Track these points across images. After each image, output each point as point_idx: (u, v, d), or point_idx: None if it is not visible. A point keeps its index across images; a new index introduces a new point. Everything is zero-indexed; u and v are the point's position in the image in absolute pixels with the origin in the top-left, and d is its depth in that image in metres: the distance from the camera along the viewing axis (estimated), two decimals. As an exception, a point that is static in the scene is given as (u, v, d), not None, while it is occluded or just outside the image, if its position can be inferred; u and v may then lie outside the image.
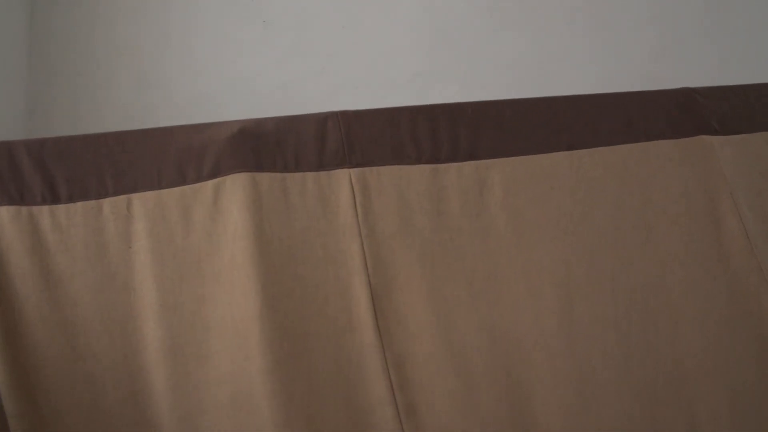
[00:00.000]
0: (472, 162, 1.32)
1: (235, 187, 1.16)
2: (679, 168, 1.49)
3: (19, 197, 1.08)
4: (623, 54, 2.13)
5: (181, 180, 1.15)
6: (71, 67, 1.94)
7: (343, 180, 1.21)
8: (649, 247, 1.40)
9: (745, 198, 1.52)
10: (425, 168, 1.28)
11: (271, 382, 1.06)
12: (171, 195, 1.13)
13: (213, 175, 1.17)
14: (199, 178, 1.16)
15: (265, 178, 1.18)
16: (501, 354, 1.21)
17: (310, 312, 1.12)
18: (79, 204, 1.10)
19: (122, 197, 1.11)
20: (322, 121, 1.24)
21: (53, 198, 1.09)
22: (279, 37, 2.02)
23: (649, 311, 1.35)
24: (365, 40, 2.06)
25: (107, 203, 1.10)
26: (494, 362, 1.20)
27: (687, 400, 1.30)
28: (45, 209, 1.08)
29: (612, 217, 1.39)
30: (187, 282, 1.09)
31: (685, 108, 1.57)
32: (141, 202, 1.11)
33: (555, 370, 1.23)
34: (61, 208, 1.09)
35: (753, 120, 1.63)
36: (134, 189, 1.12)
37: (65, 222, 1.08)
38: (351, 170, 1.22)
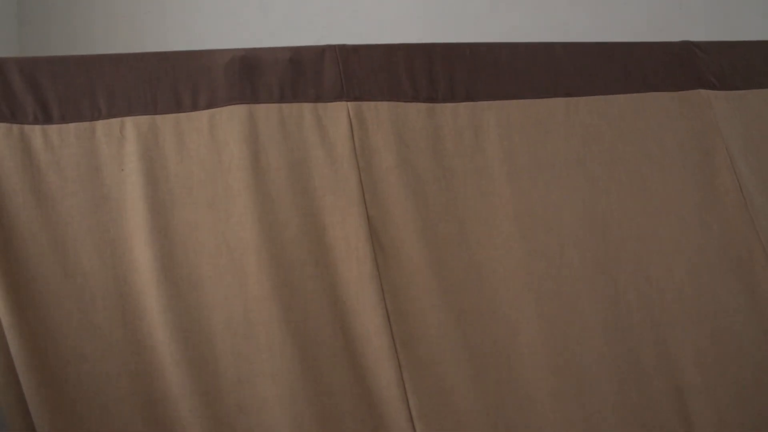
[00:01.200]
0: (469, 103, 1.31)
1: (231, 121, 1.15)
2: (675, 120, 1.49)
3: (11, 115, 1.06)
4: (622, 28, 2.11)
5: (176, 107, 1.14)
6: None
7: (340, 112, 1.20)
8: (643, 196, 1.41)
9: (739, 153, 1.52)
10: (422, 106, 1.27)
11: (266, 309, 1.07)
12: (165, 121, 1.12)
13: (209, 105, 1.15)
14: (195, 107, 1.14)
15: (262, 109, 1.17)
16: (489, 292, 1.22)
17: (308, 241, 1.12)
18: (72, 125, 1.08)
19: (116, 120, 1.10)
20: (320, 53, 1.23)
21: (45, 118, 1.08)
22: (275, 10, 1.98)
23: (640, 259, 1.36)
24: (362, 14, 2.02)
25: (100, 125, 1.09)
26: (482, 300, 1.21)
27: (673, 345, 1.32)
28: (37, 129, 1.07)
29: (606, 165, 1.39)
30: (179, 207, 1.09)
31: (684, 61, 1.56)
32: (134, 125, 1.10)
33: (542, 311, 1.25)
34: (53, 128, 1.08)
35: (751, 77, 1.63)
36: (128, 112, 1.11)
37: (57, 142, 1.07)
38: (349, 103, 1.21)
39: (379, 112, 1.23)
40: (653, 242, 1.37)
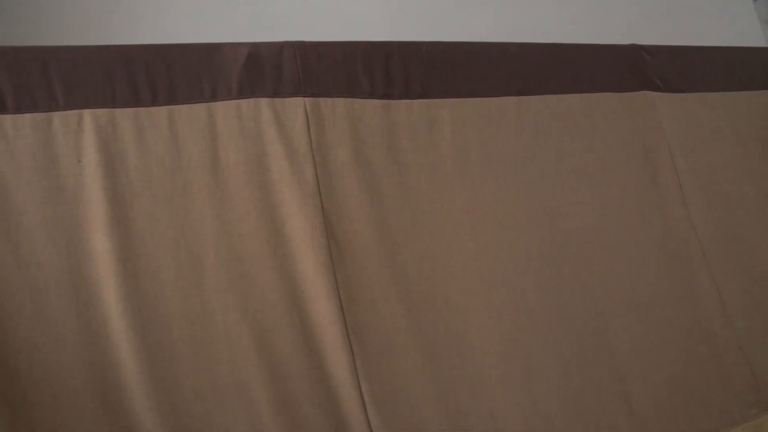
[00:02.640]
0: (424, 100, 1.36)
1: (190, 119, 1.16)
2: (621, 120, 1.57)
3: (-36, 105, 1.06)
4: (593, 28, 2.17)
5: (136, 101, 1.15)
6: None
7: (297, 108, 1.23)
8: (588, 192, 1.48)
9: (680, 152, 1.61)
10: (377, 103, 1.31)
11: (224, 299, 1.10)
12: (124, 114, 1.13)
13: (168, 100, 1.16)
14: (155, 102, 1.16)
15: (220, 106, 1.19)
16: (442, 283, 1.27)
17: (266, 233, 1.15)
18: (28, 116, 1.08)
19: (73, 112, 1.10)
20: (278, 49, 1.25)
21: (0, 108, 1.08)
22: (240, 9, 1.97)
23: (584, 251, 1.43)
24: (328, 13, 2.02)
25: (57, 116, 1.10)
26: (434, 290, 1.26)
27: (613, 332, 1.40)
28: None
29: (554, 162, 1.46)
30: (138, 199, 1.10)
31: (632, 64, 1.64)
32: (93, 118, 1.11)
33: (491, 300, 1.31)
34: (7, 119, 1.07)
35: (692, 81, 1.72)
36: (86, 105, 1.11)
37: (12, 132, 1.07)
38: (306, 99, 1.24)
39: (336, 108, 1.26)
40: (597, 235, 1.45)
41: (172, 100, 1.16)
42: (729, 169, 1.67)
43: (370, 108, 1.30)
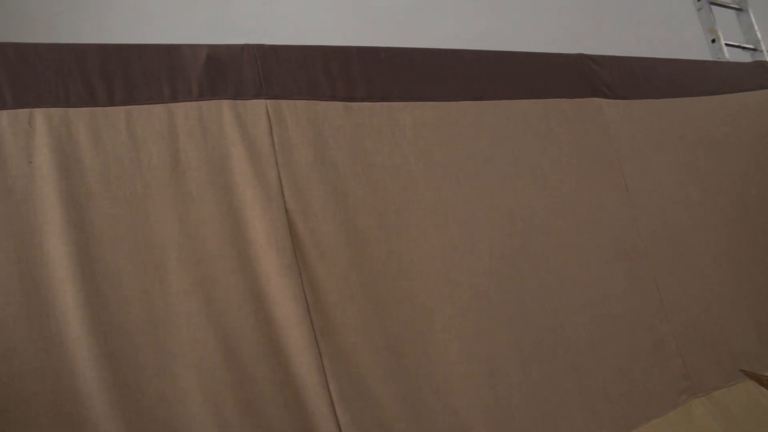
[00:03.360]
0: (385, 103, 1.38)
1: (149, 120, 1.14)
2: (572, 125, 1.64)
3: None
4: (540, 36, 2.26)
5: (91, 101, 1.12)
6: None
7: (260, 110, 1.22)
8: (545, 193, 1.54)
9: (626, 155, 1.70)
10: (339, 105, 1.32)
11: (188, 302, 1.07)
12: (79, 114, 1.10)
13: (126, 101, 1.13)
14: (111, 102, 1.12)
15: (180, 107, 1.17)
16: (407, 283, 1.29)
17: (229, 236, 1.13)
18: (-27, 115, 1.04)
19: (24, 111, 1.06)
20: (238, 52, 1.24)
21: (-58, 107, 1.03)
22: (199, 13, 1.95)
23: (541, 251, 1.48)
24: (287, 17, 2.02)
25: (5, 115, 1.05)
26: (400, 290, 1.28)
27: (569, 328, 1.45)
28: None
29: (512, 164, 1.51)
30: (96, 201, 1.06)
31: (581, 72, 1.71)
32: (45, 118, 1.07)
33: (455, 299, 1.33)
34: (-50, 118, 1.02)
35: (636, 88, 1.81)
36: (38, 104, 1.07)
37: (-44, 132, 1.02)
38: (267, 101, 1.24)
39: (298, 109, 1.26)
40: (552, 236, 1.50)
41: (129, 100, 1.13)
42: (673, 171, 1.77)
43: (333, 110, 1.31)
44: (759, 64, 2.13)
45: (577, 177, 1.59)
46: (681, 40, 2.45)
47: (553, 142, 1.58)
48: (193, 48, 1.22)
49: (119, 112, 1.12)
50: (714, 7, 2.36)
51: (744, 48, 2.42)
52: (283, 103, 1.26)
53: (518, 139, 1.53)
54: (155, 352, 1.02)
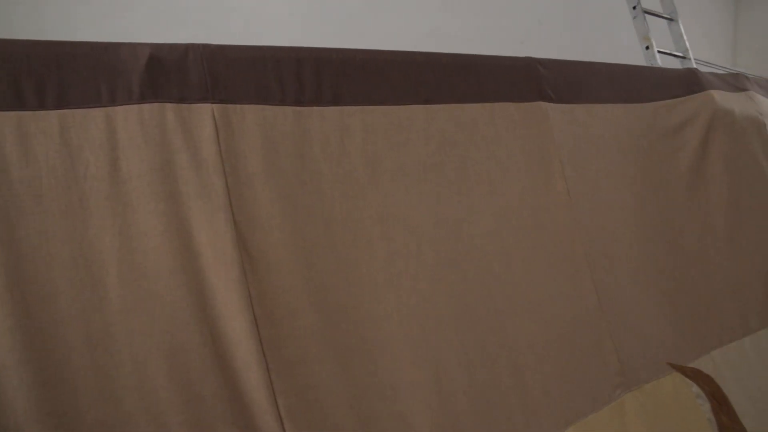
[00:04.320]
0: (335, 107, 1.35)
1: (86, 125, 1.06)
2: (519, 129, 1.67)
3: None
4: (488, 36, 2.27)
5: (19, 104, 1.03)
6: None
7: (205, 115, 1.17)
8: (491, 198, 1.57)
9: (568, 160, 1.75)
10: (288, 110, 1.29)
11: (130, 321, 1.03)
12: (5, 119, 1.01)
13: (59, 104, 1.06)
14: (42, 106, 1.04)
15: (119, 112, 1.10)
16: (355, 291, 1.29)
17: (173, 249, 1.09)
18: None
19: None
20: (183, 52, 1.18)
21: None
22: (139, 4, 1.81)
23: (486, 255, 1.52)
24: (235, 13, 1.93)
25: None
26: (348, 299, 1.28)
27: (512, 330, 1.51)
28: None
29: (459, 170, 1.52)
30: (27, 216, 0.99)
31: (528, 75, 1.74)
32: None
33: (401, 306, 1.35)
34: None
35: (580, 93, 1.87)
36: (-45, 107, 0.99)
37: None
38: (214, 106, 1.19)
39: (246, 115, 1.22)
40: (497, 240, 1.54)
41: (63, 104, 1.06)
42: (610, 176, 1.84)
43: (282, 115, 1.27)
44: (690, 71, 2.23)
45: (523, 182, 1.63)
46: (618, 45, 2.55)
47: (500, 147, 1.61)
48: (134, 47, 1.14)
49: (51, 116, 1.04)
50: (648, 17, 2.46)
51: (674, 56, 2.54)
52: (230, 107, 1.21)
53: (466, 144, 1.55)
54: (94, 375, 0.98)
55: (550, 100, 1.77)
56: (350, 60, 1.40)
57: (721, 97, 2.20)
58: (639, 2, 2.51)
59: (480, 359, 1.44)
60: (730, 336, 1.99)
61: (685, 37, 2.61)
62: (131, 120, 1.10)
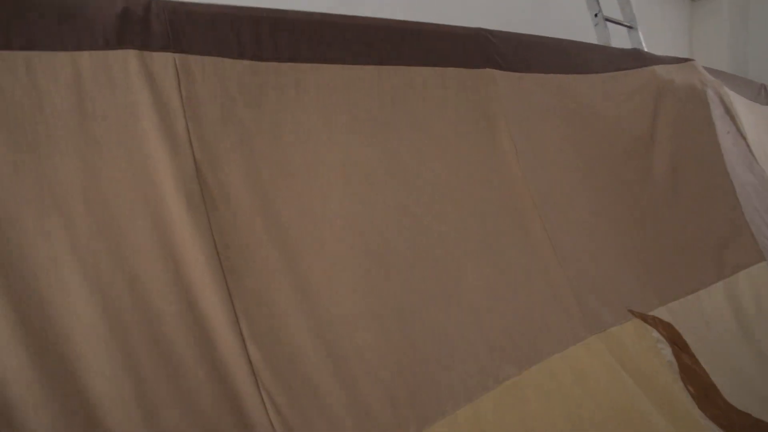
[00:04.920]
0: (292, 64, 1.44)
1: (52, 67, 1.14)
2: (469, 92, 1.78)
3: None
4: (448, 12, 2.38)
5: None
6: None
7: (168, 62, 1.25)
8: (444, 154, 1.66)
9: (515, 122, 1.86)
10: (246, 63, 1.37)
11: (94, 245, 1.09)
12: None
13: (25, 46, 1.13)
14: (8, 46, 1.11)
15: (85, 57, 1.18)
16: (313, 229, 1.37)
17: (137, 178, 1.16)
18: None
19: None
20: (146, 6, 1.27)
21: None
22: None
23: (439, 203, 1.60)
24: None
25: None
26: (307, 236, 1.35)
27: (470, 274, 1.58)
28: None
29: (412, 127, 1.62)
30: None
31: (478, 44, 1.86)
32: None
33: (360, 245, 1.42)
34: None
35: (528, 63, 1.99)
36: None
37: None
38: (176, 55, 1.27)
39: (206, 65, 1.31)
40: (449, 191, 1.63)
41: (29, 46, 1.13)
42: (556, 139, 1.96)
43: (240, 67, 1.36)
44: (636, 50, 2.38)
45: (472, 139, 1.73)
46: (573, 24, 2.71)
47: (449, 107, 1.71)
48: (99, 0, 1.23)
49: (17, 57, 1.11)
50: (609, 24, 2.60)
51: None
52: (191, 58, 1.30)
53: (417, 102, 1.65)
54: (61, 296, 1.03)
55: (499, 67, 1.88)
56: (306, 21, 1.50)
57: (664, 70, 2.35)
58: (600, 10, 2.64)
59: (438, 299, 1.51)
60: (686, 289, 2.08)
61: (644, 44, 2.74)
62: (97, 64, 1.18)
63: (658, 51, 2.56)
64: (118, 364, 1.06)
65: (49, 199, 1.09)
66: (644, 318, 1.90)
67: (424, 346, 1.44)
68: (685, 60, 2.53)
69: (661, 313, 1.97)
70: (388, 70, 1.61)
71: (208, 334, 1.16)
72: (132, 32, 1.24)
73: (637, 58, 2.36)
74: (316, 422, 1.21)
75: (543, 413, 1.53)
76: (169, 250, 1.17)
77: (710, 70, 2.75)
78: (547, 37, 2.09)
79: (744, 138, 2.59)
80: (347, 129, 1.49)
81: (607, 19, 2.66)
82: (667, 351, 1.87)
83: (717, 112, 2.47)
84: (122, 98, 1.20)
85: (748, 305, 2.12)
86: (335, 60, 1.52)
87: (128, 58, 1.21)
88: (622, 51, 2.37)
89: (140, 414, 1.04)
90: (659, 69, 2.33)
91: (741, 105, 2.67)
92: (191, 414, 1.09)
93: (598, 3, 2.62)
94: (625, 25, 2.80)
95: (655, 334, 1.89)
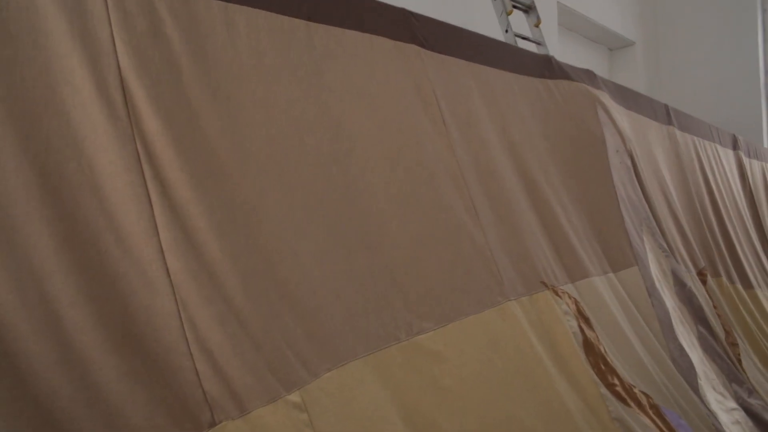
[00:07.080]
0: (222, 2, 1.43)
1: None
2: (397, 61, 1.84)
3: None
4: None
5: None
6: None
7: None
8: (374, 113, 1.70)
9: (442, 96, 1.94)
10: None
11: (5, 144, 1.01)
12: None
13: None
14: None
15: None
16: (237, 158, 1.34)
17: (52, 79, 1.09)
18: None
19: None
20: None
21: None
22: None
23: (368, 156, 1.64)
24: None
25: None
26: (232, 162, 1.33)
27: (393, 229, 1.61)
28: None
29: (341, 80, 1.65)
30: None
31: (403, 22, 1.94)
32: None
33: (284, 181, 1.42)
34: None
35: (449, 48, 2.09)
36: None
37: None
38: None
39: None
40: (378, 146, 1.66)
41: None
42: (483, 118, 2.06)
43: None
44: (547, 57, 2.59)
45: (401, 104, 1.78)
46: (485, 20, 2.91)
47: (379, 70, 1.76)
48: None
49: None
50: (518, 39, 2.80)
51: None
52: None
53: (348, 61, 1.68)
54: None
55: (423, 46, 1.97)
56: (237, -33, 1.50)
57: (567, 85, 2.57)
58: (510, 27, 2.81)
59: (360, 248, 1.51)
60: (591, 272, 2.21)
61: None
62: None
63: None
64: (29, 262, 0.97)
65: None
66: (555, 290, 1.99)
67: (344, 290, 1.43)
68: (586, 70, 2.78)
69: (569, 289, 2.07)
70: (317, 27, 1.64)
71: (124, 241, 1.09)
72: None
73: (545, 67, 2.55)
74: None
75: (454, 370, 1.55)
76: (85, 154, 1.10)
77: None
78: (463, 29, 2.21)
79: (630, 156, 2.84)
80: (275, 72, 1.49)
81: (517, 35, 2.85)
82: (573, 323, 1.96)
83: (608, 131, 2.72)
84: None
85: (625, 301, 2.31)
86: (265, 6, 1.53)
87: None
88: (534, 55, 2.56)
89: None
90: (563, 84, 2.55)
91: (623, 116, 2.94)
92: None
93: (508, 21, 2.81)
94: (534, 41, 3.00)
95: (564, 306, 1.98)
